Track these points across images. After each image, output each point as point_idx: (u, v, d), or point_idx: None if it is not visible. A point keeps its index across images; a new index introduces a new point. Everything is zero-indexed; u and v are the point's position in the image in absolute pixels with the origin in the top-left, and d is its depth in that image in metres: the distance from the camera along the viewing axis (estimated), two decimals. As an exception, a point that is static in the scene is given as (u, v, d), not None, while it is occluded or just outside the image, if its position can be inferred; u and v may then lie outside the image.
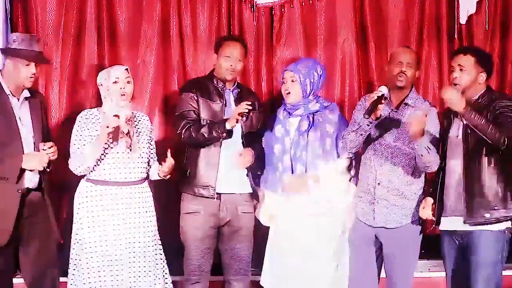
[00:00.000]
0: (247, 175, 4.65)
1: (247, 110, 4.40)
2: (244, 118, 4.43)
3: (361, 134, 4.34)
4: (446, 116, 4.38)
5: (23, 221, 4.30)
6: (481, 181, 4.12)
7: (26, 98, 4.35)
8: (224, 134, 4.50)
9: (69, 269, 4.44)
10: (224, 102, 4.65)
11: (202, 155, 4.60)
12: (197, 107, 4.62)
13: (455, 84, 4.20)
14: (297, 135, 4.57)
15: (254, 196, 4.69)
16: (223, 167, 4.59)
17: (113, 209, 4.36)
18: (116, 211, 4.36)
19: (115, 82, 4.39)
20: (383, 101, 4.22)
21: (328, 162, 4.53)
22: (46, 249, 4.40)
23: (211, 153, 4.59)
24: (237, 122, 4.47)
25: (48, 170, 4.33)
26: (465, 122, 4.12)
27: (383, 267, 4.53)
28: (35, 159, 4.24)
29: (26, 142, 4.28)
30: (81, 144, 4.37)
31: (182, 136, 4.59)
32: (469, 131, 4.13)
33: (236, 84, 4.76)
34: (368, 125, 4.29)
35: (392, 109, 4.44)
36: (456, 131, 4.25)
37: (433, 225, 4.38)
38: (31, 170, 4.26)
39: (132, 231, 4.38)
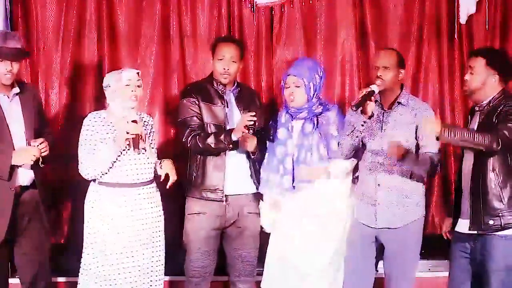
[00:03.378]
0: (251, 175, 4.65)
1: (251, 123, 4.40)
2: (251, 131, 4.43)
3: (357, 136, 4.34)
4: (465, 117, 4.40)
5: (18, 219, 4.30)
6: (486, 186, 4.10)
7: (16, 94, 4.34)
8: (231, 145, 4.50)
9: (80, 271, 4.41)
10: (226, 104, 4.65)
11: (208, 159, 4.59)
12: (199, 112, 4.61)
13: (465, 86, 4.20)
14: (301, 137, 4.55)
15: (260, 196, 4.68)
16: (229, 169, 4.59)
17: (127, 210, 4.33)
18: (130, 212, 4.33)
19: (127, 85, 4.35)
20: (372, 98, 4.23)
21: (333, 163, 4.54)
22: (39, 247, 4.39)
23: (217, 156, 4.58)
24: (243, 133, 4.47)
25: (42, 166, 4.31)
26: (479, 121, 4.12)
27: (382, 268, 4.54)
28: (24, 154, 4.23)
29: (17, 139, 4.28)
30: (91, 148, 4.32)
31: (188, 144, 4.58)
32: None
33: (236, 84, 4.75)
34: (362, 125, 4.29)
35: (384, 110, 4.44)
36: None
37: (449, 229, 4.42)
38: (20, 166, 4.26)
39: (144, 232, 4.35)
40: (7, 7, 5.22)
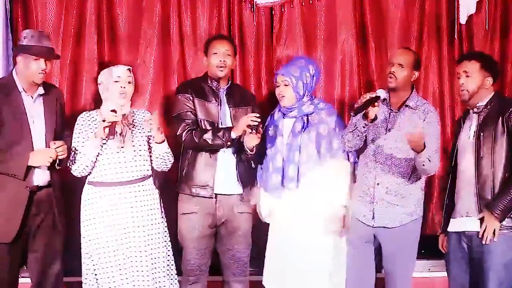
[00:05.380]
0: (237, 176, 4.63)
1: (255, 123, 4.39)
2: (254, 131, 4.41)
3: (358, 135, 4.35)
4: (457, 123, 4.43)
5: (32, 218, 4.34)
6: (494, 187, 4.13)
7: (40, 95, 4.39)
8: (229, 143, 4.50)
9: (82, 271, 4.44)
10: (219, 101, 4.66)
11: (199, 156, 4.60)
12: (193, 108, 4.62)
13: (462, 90, 4.22)
14: (291, 136, 4.57)
15: (245, 194, 4.68)
16: (220, 167, 4.60)
17: (117, 208, 4.36)
18: (120, 211, 4.36)
19: (116, 81, 4.40)
20: (376, 103, 4.21)
21: (322, 163, 4.53)
22: (52, 246, 4.42)
23: (208, 153, 4.59)
24: (244, 132, 4.46)
25: (58, 167, 4.35)
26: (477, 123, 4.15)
27: (380, 267, 4.55)
28: (41, 155, 4.28)
29: (38, 139, 4.32)
30: (79, 146, 4.37)
31: (183, 139, 4.59)
32: (482, 134, 4.15)
33: (229, 83, 4.76)
34: (363, 127, 4.29)
35: (392, 111, 4.44)
36: (467, 132, 4.26)
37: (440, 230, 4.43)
38: (38, 167, 4.29)
39: (139, 229, 4.39)
40: (7, 7, 5.22)
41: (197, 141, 4.54)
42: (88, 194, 4.41)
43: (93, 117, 4.45)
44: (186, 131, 4.58)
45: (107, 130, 4.28)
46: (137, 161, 4.42)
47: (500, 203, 4.08)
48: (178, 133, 4.61)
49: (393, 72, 4.40)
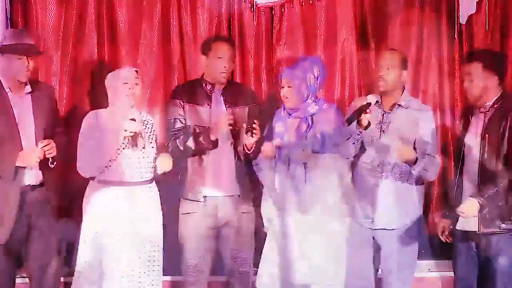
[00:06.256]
0: (236, 178, 4.64)
1: (231, 122, 4.43)
2: (250, 133, 4.41)
3: (353, 143, 4.35)
4: (463, 116, 4.38)
5: (26, 218, 4.32)
6: (497, 190, 4.09)
7: (28, 93, 4.37)
8: (211, 145, 4.50)
9: (76, 267, 4.44)
10: (211, 105, 4.65)
11: (190, 160, 4.61)
12: (183, 114, 4.63)
13: (468, 94, 4.19)
14: (296, 136, 4.58)
15: (244, 197, 4.68)
16: (219, 170, 4.60)
17: (127, 208, 4.37)
18: (130, 211, 4.38)
19: (125, 83, 4.40)
20: (368, 110, 4.21)
21: (328, 163, 4.53)
22: (48, 246, 4.41)
23: (204, 157, 4.59)
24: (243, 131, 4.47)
25: (52, 166, 4.32)
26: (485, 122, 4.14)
27: (379, 268, 4.54)
28: (28, 155, 4.25)
29: (27, 139, 4.30)
30: (90, 147, 4.35)
31: (170, 149, 4.59)
32: (487, 135, 4.12)
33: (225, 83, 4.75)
34: (358, 135, 4.30)
35: (385, 112, 4.43)
36: (474, 132, 4.24)
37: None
38: (24, 167, 4.26)
39: (140, 231, 4.40)
40: (7, 7, 5.22)
41: (181, 148, 4.56)
42: (96, 193, 4.39)
43: (103, 116, 4.45)
44: (172, 139, 4.59)
45: (126, 140, 4.28)
46: (149, 163, 4.45)
47: (487, 191, 4.04)
48: (166, 144, 4.62)
49: (382, 75, 4.39)
